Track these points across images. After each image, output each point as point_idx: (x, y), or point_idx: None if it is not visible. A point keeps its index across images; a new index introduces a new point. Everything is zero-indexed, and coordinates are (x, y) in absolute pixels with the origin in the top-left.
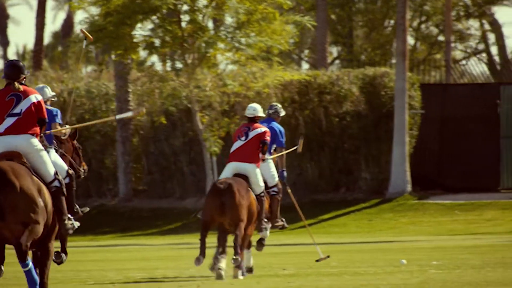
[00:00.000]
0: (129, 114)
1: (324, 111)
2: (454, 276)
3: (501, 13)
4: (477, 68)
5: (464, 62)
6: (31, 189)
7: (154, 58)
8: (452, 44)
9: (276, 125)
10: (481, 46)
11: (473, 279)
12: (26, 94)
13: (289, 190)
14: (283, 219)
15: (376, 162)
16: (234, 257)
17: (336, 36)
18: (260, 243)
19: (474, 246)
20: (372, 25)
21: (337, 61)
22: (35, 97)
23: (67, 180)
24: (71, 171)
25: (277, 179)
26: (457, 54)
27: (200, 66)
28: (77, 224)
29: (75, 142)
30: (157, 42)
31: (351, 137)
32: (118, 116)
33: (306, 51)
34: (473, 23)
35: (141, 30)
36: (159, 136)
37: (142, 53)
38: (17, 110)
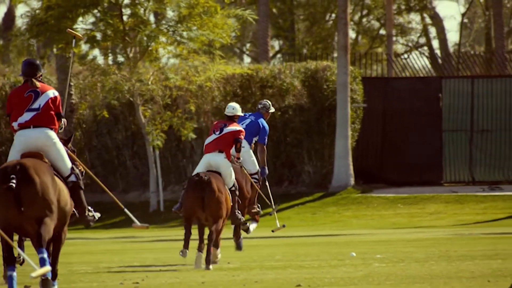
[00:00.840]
0: (136, 224)
1: None
2: (398, 269)
3: (442, 6)
4: (419, 61)
5: (405, 55)
6: (49, 186)
7: (96, 52)
8: (394, 38)
9: (262, 122)
10: (423, 40)
11: (416, 272)
12: (43, 90)
13: (267, 183)
14: (259, 206)
15: (319, 156)
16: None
17: (278, 30)
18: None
19: (418, 240)
20: (314, 18)
21: (279, 55)
22: (52, 93)
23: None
24: (76, 170)
25: (257, 167)
26: (399, 47)
27: (142, 60)
28: (97, 215)
29: (69, 145)
30: (98, 35)
31: (293, 130)
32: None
33: (248, 45)
34: (415, 17)
35: (83, 24)
36: (102, 130)
37: (84, 47)
38: (35, 105)
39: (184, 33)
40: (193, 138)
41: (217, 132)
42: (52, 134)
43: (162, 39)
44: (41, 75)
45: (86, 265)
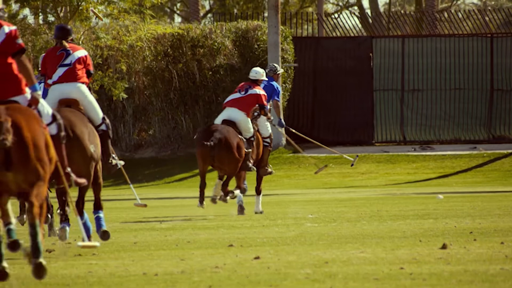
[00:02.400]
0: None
1: (197, 65)
2: (330, 229)
3: None
4: (349, 21)
5: (336, 15)
6: (85, 137)
7: (26, 11)
8: None
9: (274, 84)
10: (353, 0)
11: (348, 232)
12: (74, 49)
13: (293, 130)
14: (271, 166)
15: None
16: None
17: None
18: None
19: (349, 199)
20: None
21: (209, 15)
22: (82, 52)
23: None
24: (107, 120)
25: (270, 130)
26: (329, 7)
27: (72, 19)
28: (121, 162)
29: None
30: None
31: (224, 90)
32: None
33: (179, 5)
34: None
35: None
36: None
37: (14, 6)
38: (67, 61)
39: None
40: (124, 98)
41: (242, 92)
42: (84, 87)
43: None
44: (72, 39)
45: None
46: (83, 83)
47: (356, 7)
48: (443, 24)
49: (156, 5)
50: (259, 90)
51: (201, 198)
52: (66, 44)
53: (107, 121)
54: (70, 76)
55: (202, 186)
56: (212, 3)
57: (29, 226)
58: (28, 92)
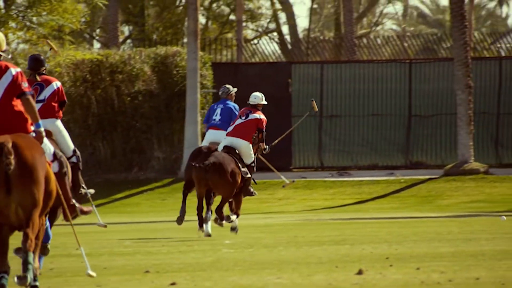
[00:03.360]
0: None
1: (116, 90)
2: (247, 255)
3: None
4: (269, 47)
5: (255, 41)
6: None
7: None
8: (244, 23)
9: (231, 104)
10: (273, 25)
11: (265, 258)
12: (48, 83)
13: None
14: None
15: (168, 142)
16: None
17: (128, 15)
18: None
19: (267, 225)
20: (164, 4)
21: (129, 40)
22: (55, 84)
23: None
24: (77, 152)
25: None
26: (249, 33)
27: None
28: (91, 191)
29: None
30: None
31: (143, 116)
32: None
33: (98, 30)
34: (264, 2)
35: None
36: None
37: None
38: (41, 97)
39: (34, 18)
40: None
41: (243, 117)
42: (58, 123)
43: (12, 24)
44: (45, 69)
45: None
46: (57, 118)
47: (275, 33)
48: (362, 50)
49: (75, 30)
50: (259, 115)
51: (200, 221)
52: (38, 78)
53: (78, 153)
54: (45, 112)
55: (199, 209)
56: (131, 29)
57: (23, 256)
58: (33, 130)
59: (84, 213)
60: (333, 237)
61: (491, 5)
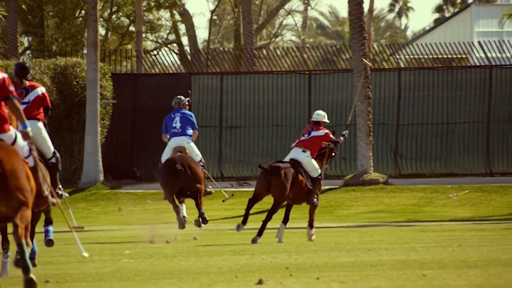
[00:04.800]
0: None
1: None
2: (147, 265)
3: (191, 3)
4: (169, 58)
5: (155, 52)
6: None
7: None
8: (143, 35)
9: (188, 112)
10: (172, 37)
11: (165, 268)
12: (33, 88)
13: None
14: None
15: (68, 152)
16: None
17: (27, 26)
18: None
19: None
20: (63, 15)
21: (28, 51)
22: (40, 90)
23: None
24: (57, 154)
25: (200, 154)
26: (148, 44)
27: None
28: (66, 194)
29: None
30: None
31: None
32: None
33: None
34: (164, 14)
35: None
36: None
37: None
38: (26, 99)
39: None
40: None
41: (306, 135)
42: (40, 124)
43: None
44: (30, 75)
45: None
46: (39, 119)
47: (175, 44)
48: (262, 61)
49: None
50: (322, 131)
51: (245, 219)
52: (26, 82)
53: (57, 155)
54: (28, 114)
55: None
56: (31, 40)
57: (17, 246)
58: (12, 130)
59: (54, 204)
60: (233, 247)
61: (390, 16)
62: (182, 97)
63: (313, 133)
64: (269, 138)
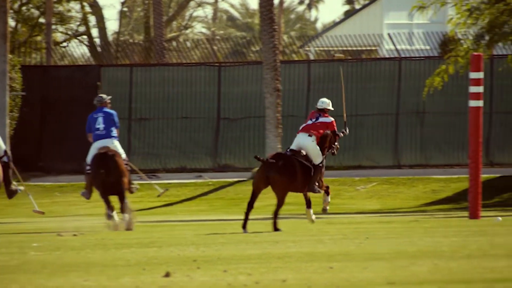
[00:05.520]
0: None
1: None
2: (54, 257)
3: None
4: (78, 50)
5: (65, 44)
6: None
7: None
8: (53, 26)
9: (109, 111)
10: (83, 28)
11: (73, 260)
12: None
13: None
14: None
15: None
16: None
17: None
18: None
19: (74, 228)
20: None
21: None
22: None
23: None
24: (9, 153)
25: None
26: (58, 36)
27: None
28: (21, 188)
29: None
30: None
31: None
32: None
33: None
34: (74, 5)
35: None
36: None
37: None
38: None
39: None
40: None
41: (313, 119)
42: None
43: None
44: None
45: None
46: None
47: (85, 36)
48: (172, 53)
49: None
50: (329, 118)
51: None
52: None
53: (9, 153)
54: None
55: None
56: None
57: None
58: None
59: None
60: (141, 239)
61: (300, 8)
62: (104, 96)
63: (321, 119)
64: (178, 130)
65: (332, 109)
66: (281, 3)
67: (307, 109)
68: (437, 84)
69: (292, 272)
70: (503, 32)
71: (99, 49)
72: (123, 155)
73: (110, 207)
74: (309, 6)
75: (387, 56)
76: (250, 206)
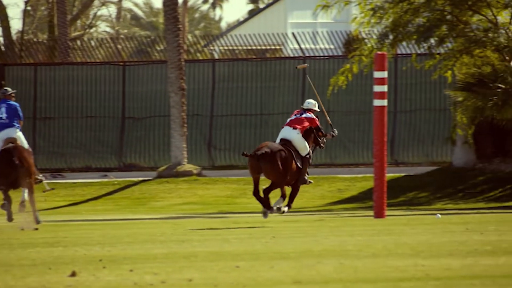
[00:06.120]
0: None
1: None
2: None
3: None
4: None
5: None
6: None
7: None
8: None
9: (13, 103)
10: None
11: None
12: None
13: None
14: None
15: None
16: None
17: None
18: None
19: None
20: None
21: None
22: None
23: None
24: None
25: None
26: None
27: None
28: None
29: None
30: None
31: None
32: None
33: None
34: None
35: None
36: None
37: None
38: None
39: None
40: None
41: (297, 115)
42: None
43: None
44: None
45: None
46: None
47: None
48: (76, 52)
49: None
50: (312, 114)
51: (265, 204)
52: None
53: None
54: None
55: (256, 194)
56: None
57: None
58: None
59: None
60: (47, 239)
61: (205, 8)
62: (9, 89)
63: (305, 115)
64: (83, 129)
65: (318, 110)
66: (185, 2)
67: (212, 108)
68: (341, 83)
69: (198, 272)
70: (407, 31)
71: (3, 48)
72: (26, 145)
73: (8, 200)
74: (213, 5)
75: (291, 55)
76: (257, 194)
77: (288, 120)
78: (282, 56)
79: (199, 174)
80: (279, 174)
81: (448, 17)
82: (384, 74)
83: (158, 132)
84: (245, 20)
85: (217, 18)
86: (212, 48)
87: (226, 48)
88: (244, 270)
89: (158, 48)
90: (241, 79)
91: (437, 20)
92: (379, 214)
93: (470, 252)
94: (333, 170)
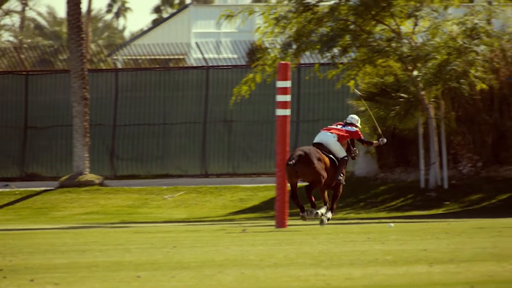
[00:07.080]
0: None
1: None
2: None
3: None
4: None
5: None
6: None
7: None
8: None
9: None
10: None
11: None
12: None
13: None
14: None
15: None
16: None
17: None
18: None
19: None
20: None
21: None
22: None
23: None
24: None
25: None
26: None
27: None
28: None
29: None
30: None
31: None
32: None
33: None
34: None
35: None
36: None
37: None
38: None
39: None
40: None
41: (339, 126)
42: None
43: None
44: None
45: None
46: None
47: None
48: None
49: None
50: (354, 128)
51: (301, 208)
52: None
53: None
54: None
55: (294, 197)
56: None
57: None
58: None
59: None
60: None
61: (108, 17)
62: None
63: (346, 128)
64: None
65: (360, 126)
66: (89, 11)
67: (115, 118)
68: (244, 93)
69: (100, 281)
70: (310, 40)
71: None
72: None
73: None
74: (117, 15)
75: (194, 65)
76: (294, 197)
77: (330, 126)
78: (186, 65)
79: (101, 184)
80: (316, 173)
81: (352, 26)
82: (287, 83)
83: (61, 142)
84: (149, 29)
85: (120, 27)
86: (115, 57)
87: (129, 57)
88: (145, 280)
89: (61, 58)
90: (144, 88)
91: (340, 29)
92: (280, 224)
93: (371, 262)
94: (235, 180)
